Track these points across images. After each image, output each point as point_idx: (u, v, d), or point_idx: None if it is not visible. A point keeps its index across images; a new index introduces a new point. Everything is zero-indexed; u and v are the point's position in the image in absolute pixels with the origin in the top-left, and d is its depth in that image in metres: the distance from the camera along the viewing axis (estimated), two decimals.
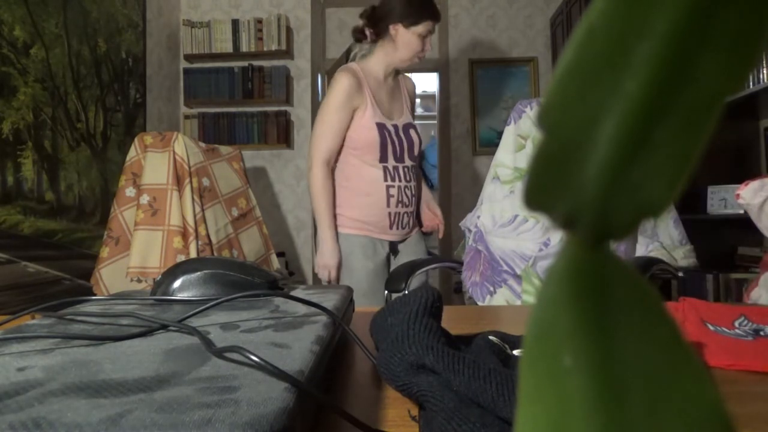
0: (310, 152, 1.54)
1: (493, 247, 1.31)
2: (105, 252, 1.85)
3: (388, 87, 1.64)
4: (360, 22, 1.62)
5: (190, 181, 1.85)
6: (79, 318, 0.43)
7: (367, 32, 1.60)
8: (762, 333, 0.47)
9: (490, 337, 0.42)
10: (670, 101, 0.08)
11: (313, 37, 3.49)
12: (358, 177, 1.54)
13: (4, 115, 1.95)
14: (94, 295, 1.66)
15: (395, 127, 1.58)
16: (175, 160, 1.84)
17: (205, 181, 1.96)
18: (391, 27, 1.55)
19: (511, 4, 3.79)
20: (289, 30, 3.35)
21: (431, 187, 4.60)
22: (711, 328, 0.49)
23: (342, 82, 1.51)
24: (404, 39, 1.55)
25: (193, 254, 1.80)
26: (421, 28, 1.55)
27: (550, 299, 0.09)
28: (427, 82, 4.66)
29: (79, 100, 2.38)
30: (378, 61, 1.60)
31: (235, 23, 3.29)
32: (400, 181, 1.56)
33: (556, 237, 1.23)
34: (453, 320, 0.59)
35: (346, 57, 3.41)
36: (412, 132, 1.63)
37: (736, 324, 0.50)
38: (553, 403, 0.08)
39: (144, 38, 2.93)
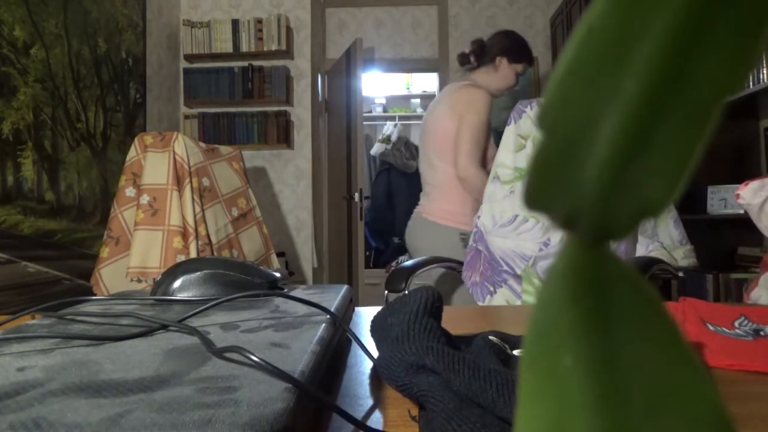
0: (465, 158, 1.69)
1: (494, 247, 1.31)
2: (105, 252, 1.85)
3: None
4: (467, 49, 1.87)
5: (190, 181, 1.85)
6: (79, 318, 0.43)
7: (472, 58, 1.84)
8: (762, 333, 0.47)
9: (490, 337, 0.41)
10: (669, 101, 0.08)
11: (313, 37, 3.49)
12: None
13: (4, 115, 1.95)
14: (94, 295, 1.66)
15: None
16: (175, 160, 1.84)
17: (205, 181, 1.96)
18: (498, 58, 1.80)
19: (511, 4, 3.79)
20: (289, 30, 3.35)
21: None
22: (711, 328, 0.49)
23: (489, 100, 1.74)
24: (505, 71, 1.82)
25: (193, 254, 1.80)
26: (520, 67, 1.83)
27: (550, 299, 0.09)
28: (427, 82, 4.66)
29: (79, 100, 2.38)
30: (480, 84, 1.82)
31: (235, 23, 3.29)
32: None
33: (556, 237, 1.23)
34: (453, 320, 0.59)
35: (339, 59, 3.41)
36: None
37: (736, 324, 0.50)
38: (553, 403, 0.08)
39: (144, 38, 2.93)
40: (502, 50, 1.80)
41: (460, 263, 1.47)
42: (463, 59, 1.87)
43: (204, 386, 0.27)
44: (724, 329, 0.48)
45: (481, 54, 1.83)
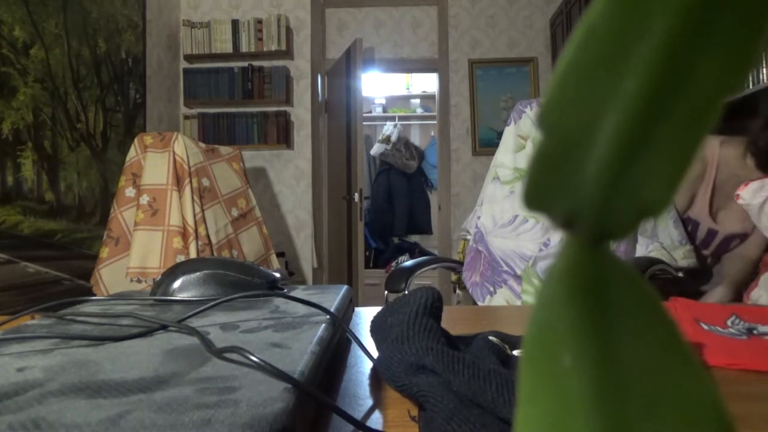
0: None
1: (493, 247, 1.31)
2: (105, 252, 1.85)
3: None
4: None
5: (190, 182, 1.85)
6: (79, 318, 0.43)
7: None
8: (755, 332, 0.48)
9: (490, 337, 0.41)
10: (669, 101, 0.08)
11: (313, 38, 3.49)
12: None
13: (4, 115, 1.95)
14: (94, 295, 1.65)
15: None
16: (174, 160, 1.84)
17: (205, 182, 1.96)
18: None
19: (511, 4, 3.79)
20: (289, 30, 3.35)
21: (431, 187, 4.60)
22: (705, 327, 0.49)
23: None
24: None
25: (192, 254, 1.80)
26: None
27: (549, 299, 0.09)
28: (427, 82, 4.66)
29: (79, 100, 2.38)
30: None
31: (235, 23, 3.29)
32: None
33: (556, 237, 1.23)
34: (453, 320, 0.58)
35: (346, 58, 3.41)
36: None
37: (729, 323, 0.50)
38: (552, 403, 0.08)
39: (144, 38, 2.93)
40: None
41: (460, 263, 1.47)
42: None
43: (203, 386, 0.27)
44: (718, 328, 0.48)
45: None
